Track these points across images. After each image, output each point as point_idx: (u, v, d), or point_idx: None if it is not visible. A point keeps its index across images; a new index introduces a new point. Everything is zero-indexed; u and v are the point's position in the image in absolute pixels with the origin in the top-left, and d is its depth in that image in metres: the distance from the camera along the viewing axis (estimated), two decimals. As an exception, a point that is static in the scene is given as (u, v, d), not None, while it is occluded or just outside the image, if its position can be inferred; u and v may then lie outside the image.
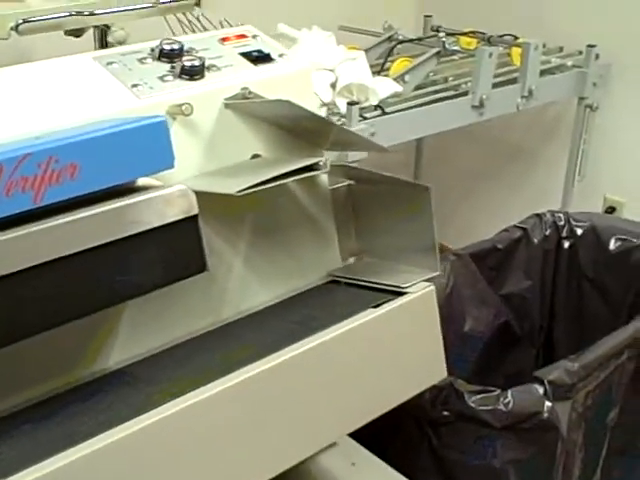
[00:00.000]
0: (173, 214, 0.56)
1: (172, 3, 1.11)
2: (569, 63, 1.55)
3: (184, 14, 1.21)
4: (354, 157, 1.11)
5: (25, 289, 0.51)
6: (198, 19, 1.23)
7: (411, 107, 1.30)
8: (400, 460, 0.83)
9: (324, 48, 1.30)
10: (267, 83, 0.71)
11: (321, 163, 0.66)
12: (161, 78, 0.67)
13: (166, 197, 0.56)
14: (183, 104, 0.65)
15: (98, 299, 0.55)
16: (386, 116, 1.25)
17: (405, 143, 1.39)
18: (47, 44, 1.02)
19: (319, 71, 1.26)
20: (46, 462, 0.51)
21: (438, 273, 0.72)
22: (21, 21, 0.93)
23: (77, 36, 1.09)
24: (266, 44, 0.75)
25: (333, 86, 1.26)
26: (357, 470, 0.82)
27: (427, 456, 0.90)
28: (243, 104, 0.69)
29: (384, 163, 1.25)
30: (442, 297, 0.72)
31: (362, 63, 1.28)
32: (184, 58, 0.68)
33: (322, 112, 1.21)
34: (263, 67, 0.72)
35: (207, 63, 0.69)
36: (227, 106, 0.69)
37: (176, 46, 0.69)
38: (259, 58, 0.73)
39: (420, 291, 0.70)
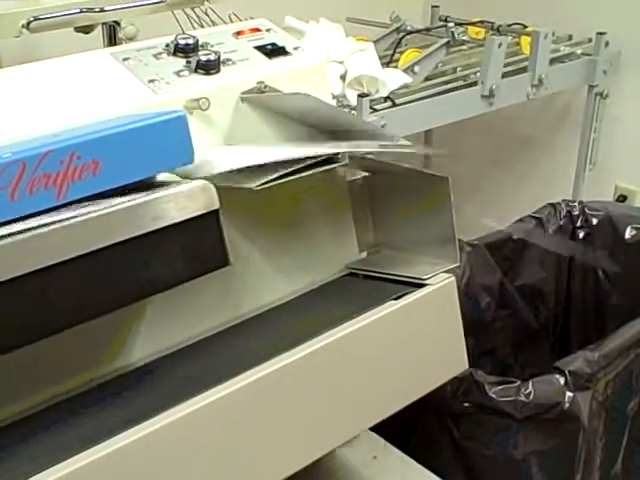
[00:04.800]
0: (195, 209, 0.56)
1: (181, -3, 1.10)
2: (579, 51, 1.53)
3: (192, 9, 1.21)
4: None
5: (47, 287, 0.51)
6: (206, 14, 1.22)
7: (421, 98, 1.29)
8: (421, 452, 0.83)
9: (333, 40, 1.30)
10: (283, 76, 0.70)
11: (339, 155, 0.65)
12: (177, 73, 0.66)
13: (188, 192, 0.55)
14: (200, 99, 0.64)
15: (121, 296, 0.55)
16: (396, 108, 1.24)
17: (414, 134, 1.38)
18: (54, 41, 1.02)
19: (328, 63, 1.26)
20: (70, 460, 0.50)
21: (458, 264, 0.72)
22: (32, 18, 0.92)
23: (86, 33, 1.08)
24: (280, 37, 0.74)
25: (342, 78, 1.25)
26: (378, 463, 0.82)
27: (448, 448, 0.90)
28: (259, 98, 0.68)
29: (394, 155, 1.24)
30: (458, 288, 0.71)
31: (371, 54, 1.28)
32: (199, 53, 0.68)
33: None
34: (278, 60, 0.71)
35: (222, 57, 0.68)
36: (243, 100, 0.68)
37: (191, 41, 0.68)
38: (274, 51, 0.72)
39: (441, 282, 0.70)
